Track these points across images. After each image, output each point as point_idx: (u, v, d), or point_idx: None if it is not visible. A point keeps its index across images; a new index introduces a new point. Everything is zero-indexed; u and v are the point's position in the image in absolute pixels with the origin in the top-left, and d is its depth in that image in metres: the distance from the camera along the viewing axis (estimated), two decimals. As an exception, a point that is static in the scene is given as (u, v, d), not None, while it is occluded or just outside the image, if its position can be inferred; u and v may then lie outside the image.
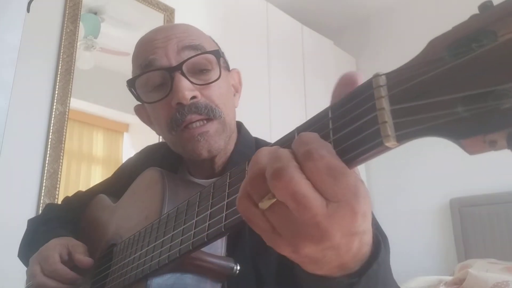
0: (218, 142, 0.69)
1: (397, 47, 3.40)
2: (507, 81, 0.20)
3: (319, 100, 3.04)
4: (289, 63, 2.99)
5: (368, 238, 0.36)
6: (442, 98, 0.22)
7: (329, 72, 3.31)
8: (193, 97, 0.67)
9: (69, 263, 0.71)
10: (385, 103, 0.26)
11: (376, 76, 0.26)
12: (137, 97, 0.74)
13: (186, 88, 0.66)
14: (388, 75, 0.26)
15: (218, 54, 0.70)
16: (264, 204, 0.31)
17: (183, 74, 0.67)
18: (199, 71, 0.70)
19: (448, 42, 0.23)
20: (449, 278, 2.02)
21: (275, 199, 0.30)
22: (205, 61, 0.70)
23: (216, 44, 0.78)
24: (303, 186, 0.29)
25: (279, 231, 0.32)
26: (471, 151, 0.23)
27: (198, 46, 0.70)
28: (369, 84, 0.28)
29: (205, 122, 0.68)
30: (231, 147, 0.76)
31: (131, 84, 0.72)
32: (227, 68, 0.78)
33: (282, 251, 0.34)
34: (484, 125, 0.21)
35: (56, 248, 0.72)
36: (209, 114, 0.68)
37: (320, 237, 0.31)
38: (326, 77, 3.25)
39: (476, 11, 0.24)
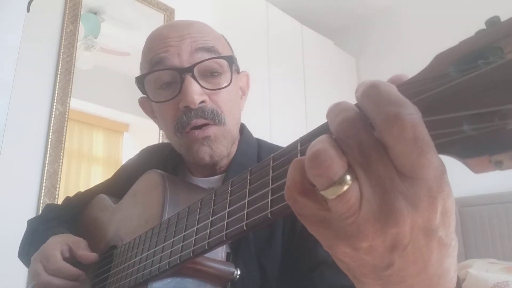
0: (220, 148, 0.69)
1: (397, 47, 3.40)
2: None
3: (319, 100, 3.04)
4: (289, 63, 2.99)
5: (453, 261, 0.28)
6: (447, 116, 0.22)
7: (329, 72, 3.31)
8: (201, 102, 0.67)
9: (70, 260, 0.72)
10: None
11: None
12: (145, 93, 0.74)
13: (196, 93, 0.65)
14: None
15: (231, 60, 0.70)
16: (331, 192, 0.24)
17: (193, 77, 0.66)
18: (210, 74, 0.69)
19: (454, 58, 0.23)
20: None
21: (346, 186, 0.24)
22: (217, 64, 0.69)
23: (228, 43, 0.78)
24: (374, 148, 0.24)
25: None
26: (476, 170, 0.23)
27: (211, 48, 0.69)
28: None
29: (208, 126, 0.68)
30: (234, 148, 0.76)
31: (140, 81, 0.72)
32: (237, 71, 0.77)
33: (339, 250, 0.27)
34: (490, 145, 0.21)
35: (56, 246, 0.73)
36: (214, 119, 0.68)
37: (386, 218, 0.24)
38: (326, 77, 3.25)
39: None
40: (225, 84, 0.69)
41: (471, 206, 2.77)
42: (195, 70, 0.66)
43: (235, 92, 0.74)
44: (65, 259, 0.72)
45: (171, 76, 0.68)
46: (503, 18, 0.23)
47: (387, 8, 3.57)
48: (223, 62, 0.69)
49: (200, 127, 0.67)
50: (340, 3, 3.53)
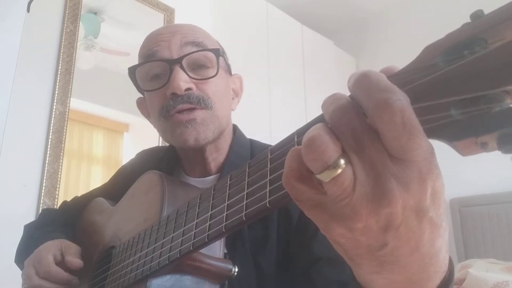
0: (205, 132, 0.70)
1: (396, 47, 3.40)
2: (497, 86, 0.21)
3: (319, 100, 3.03)
4: (289, 63, 2.99)
5: (444, 241, 0.29)
6: (436, 102, 0.23)
7: (329, 72, 3.31)
8: (188, 89, 0.69)
9: (63, 264, 0.72)
10: None
11: None
12: (136, 85, 0.77)
13: (182, 80, 0.68)
14: None
15: (218, 52, 0.73)
16: (326, 175, 0.25)
17: (182, 67, 0.69)
18: (198, 67, 0.72)
19: (441, 49, 0.24)
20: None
21: (340, 169, 0.25)
22: (205, 58, 0.72)
23: (221, 47, 0.80)
24: (366, 132, 0.25)
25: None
26: (464, 152, 0.24)
27: (201, 43, 0.73)
28: None
29: (194, 110, 0.70)
30: (226, 148, 0.78)
31: (131, 71, 0.75)
32: (229, 71, 0.81)
33: (335, 231, 0.28)
34: (476, 128, 0.22)
35: (50, 249, 0.73)
36: (200, 103, 0.70)
37: (379, 199, 0.25)
38: (326, 77, 3.25)
39: (469, 14, 0.25)
40: (212, 75, 0.72)
41: (471, 206, 2.77)
42: (184, 61, 0.70)
43: (224, 87, 0.76)
44: (58, 263, 0.72)
45: (161, 68, 0.72)
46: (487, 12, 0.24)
47: (387, 8, 3.58)
48: (212, 57, 0.72)
49: (185, 110, 0.69)
50: (340, 3, 3.54)
